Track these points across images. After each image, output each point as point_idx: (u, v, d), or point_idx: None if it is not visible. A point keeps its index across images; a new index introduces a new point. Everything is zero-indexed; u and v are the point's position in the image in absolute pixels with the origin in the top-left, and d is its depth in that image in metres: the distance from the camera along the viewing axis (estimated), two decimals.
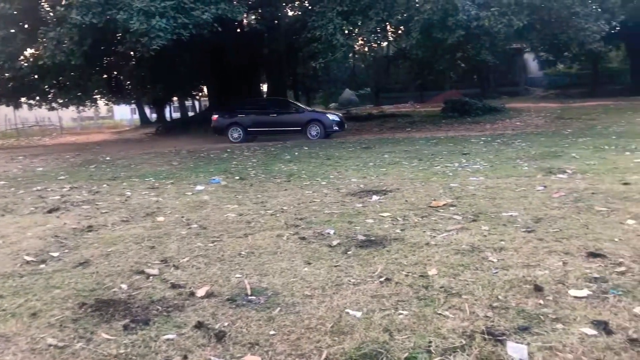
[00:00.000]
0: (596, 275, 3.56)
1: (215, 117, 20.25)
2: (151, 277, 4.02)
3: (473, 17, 15.12)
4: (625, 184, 6.71)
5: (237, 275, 3.96)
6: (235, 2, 16.26)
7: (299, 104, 21.95)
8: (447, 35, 16.58)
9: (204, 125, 23.15)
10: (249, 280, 3.82)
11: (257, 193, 7.75)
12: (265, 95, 29.65)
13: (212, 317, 3.21)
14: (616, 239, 4.32)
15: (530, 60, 42.81)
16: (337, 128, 19.10)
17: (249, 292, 3.60)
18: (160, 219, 6.19)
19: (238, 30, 24.03)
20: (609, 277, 3.52)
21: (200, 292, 3.62)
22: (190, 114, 44.50)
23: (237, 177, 9.54)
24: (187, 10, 14.51)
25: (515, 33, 18.11)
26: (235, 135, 19.40)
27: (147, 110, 48.08)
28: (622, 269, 3.65)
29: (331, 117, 19.49)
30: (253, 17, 22.98)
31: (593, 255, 3.96)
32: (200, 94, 40.57)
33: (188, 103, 48.86)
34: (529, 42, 25.45)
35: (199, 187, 8.47)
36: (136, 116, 50.12)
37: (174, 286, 3.79)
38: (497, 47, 21.66)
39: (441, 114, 24.23)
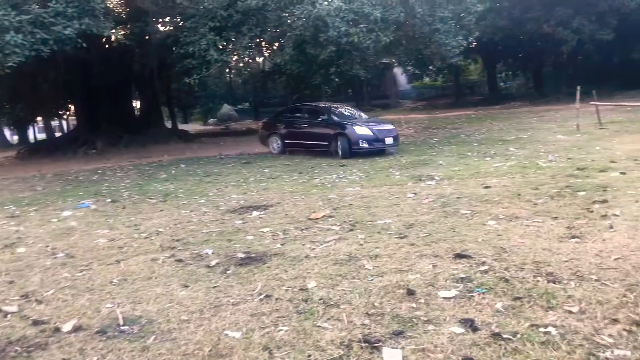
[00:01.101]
0: (462, 275, 3.78)
1: (260, 124, 18.65)
2: (9, 315, 3.68)
3: (343, 33, 15.58)
4: (487, 187, 7.25)
5: (108, 305, 3.73)
6: (101, 17, 15.41)
7: (334, 110, 16.04)
8: (319, 50, 16.98)
9: (72, 146, 21.75)
10: (121, 310, 3.61)
11: (130, 216, 7.38)
12: (138, 113, 28.52)
13: (79, 353, 2.99)
14: (479, 240, 4.64)
15: (399, 74, 45.22)
16: (367, 146, 13.63)
17: (121, 322, 3.40)
18: (21, 250, 5.69)
19: (106, 46, 22.89)
20: (474, 276, 3.76)
21: (67, 327, 3.37)
22: (58, 134, 41.71)
23: (109, 200, 9.03)
24: (47, 25, 13.48)
25: (383, 48, 18.98)
26: (275, 146, 16.32)
27: (7, 132, 44.39)
28: (485, 267, 3.92)
29: (359, 130, 13.87)
30: (122, 32, 21.98)
31: (459, 256, 4.22)
32: (67, 113, 38.12)
33: (55, 123, 45.78)
34: (397, 57, 26.90)
35: (66, 213, 7.91)
36: None
37: (35, 323, 3.49)
38: (368, 62, 22.59)
39: None
